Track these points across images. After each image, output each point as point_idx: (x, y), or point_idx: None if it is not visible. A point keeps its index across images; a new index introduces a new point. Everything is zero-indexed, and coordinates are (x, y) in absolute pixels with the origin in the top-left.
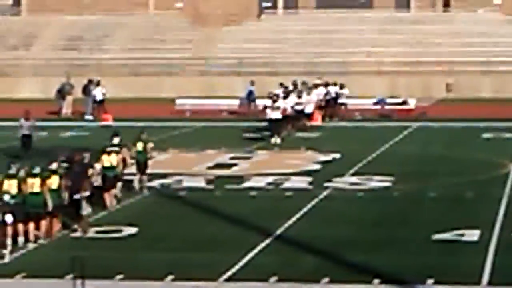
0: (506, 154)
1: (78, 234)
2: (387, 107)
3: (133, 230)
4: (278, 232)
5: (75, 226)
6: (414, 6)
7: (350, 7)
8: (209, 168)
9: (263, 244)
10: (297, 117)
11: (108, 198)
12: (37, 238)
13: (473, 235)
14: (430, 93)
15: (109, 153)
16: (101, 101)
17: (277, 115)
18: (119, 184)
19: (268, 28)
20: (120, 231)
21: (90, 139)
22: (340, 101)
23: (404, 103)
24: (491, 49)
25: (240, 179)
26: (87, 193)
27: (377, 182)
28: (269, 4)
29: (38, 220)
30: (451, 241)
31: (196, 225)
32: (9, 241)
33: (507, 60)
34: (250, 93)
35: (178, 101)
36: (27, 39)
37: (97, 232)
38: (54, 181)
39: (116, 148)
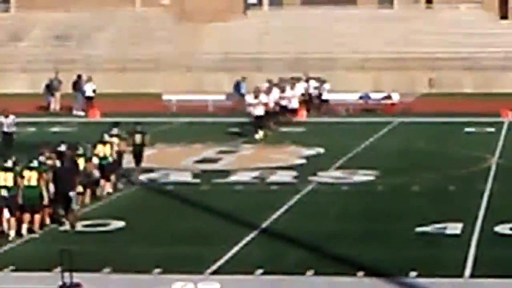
0: (488, 148)
1: (66, 227)
2: (371, 102)
3: (120, 223)
4: (264, 225)
5: (64, 220)
6: (397, 2)
7: (335, 4)
8: (196, 162)
9: (249, 238)
10: (281, 112)
11: (106, 186)
12: (31, 231)
13: (455, 228)
14: (413, 88)
15: (105, 143)
16: (91, 97)
17: (259, 111)
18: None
19: (254, 25)
20: (108, 224)
21: (78, 134)
22: (322, 96)
23: (387, 97)
24: (473, 45)
25: (226, 173)
26: (80, 189)
27: (361, 176)
28: (255, 1)
29: (33, 213)
30: (433, 234)
31: (183, 219)
32: (12, 233)
33: (489, 55)
34: (238, 85)
35: (164, 97)
36: (15, 35)
37: (85, 225)
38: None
39: (115, 139)
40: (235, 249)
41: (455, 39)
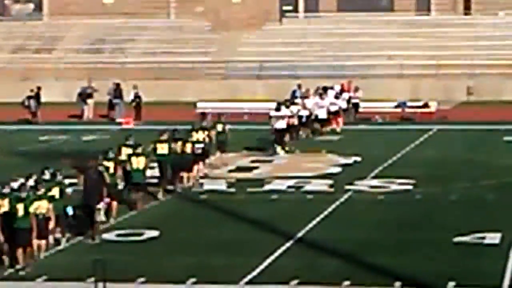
0: None
1: (89, 240)
2: (408, 110)
3: (154, 233)
4: (299, 235)
5: (89, 233)
6: (434, 9)
7: (371, 11)
8: (231, 171)
9: (284, 247)
10: (307, 123)
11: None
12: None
13: (494, 238)
14: (452, 96)
15: (137, 155)
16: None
17: (281, 124)
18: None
19: (289, 32)
20: (141, 234)
21: (112, 143)
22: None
23: (425, 106)
24: (511, 52)
25: (261, 182)
26: (107, 200)
27: (398, 185)
28: (290, 8)
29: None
30: (472, 244)
31: (217, 228)
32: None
33: None
34: (294, 93)
35: (199, 105)
36: (49, 43)
37: (119, 235)
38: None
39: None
40: (270, 259)
41: (493, 46)
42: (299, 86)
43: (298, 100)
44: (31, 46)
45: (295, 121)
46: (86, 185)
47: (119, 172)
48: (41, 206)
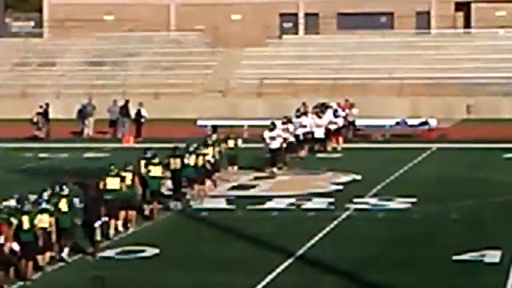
0: None
1: (88, 258)
2: (407, 128)
3: (155, 250)
4: (300, 252)
5: (88, 251)
6: (434, 27)
7: (372, 28)
8: (231, 188)
9: (284, 265)
10: (304, 141)
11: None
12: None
13: (494, 256)
14: (451, 114)
15: (155, 164)
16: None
17: (275, 144)
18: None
19: (290, 50)
20: (142, 251)
21: (112, 160)
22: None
23: (425, 123)
24: (511, 70)
25: (261, 199)
26: (106, 219)
27: (398, 203)
28: (290, 26)
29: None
30: (471, 262)
31: (217, 246)
32: None
33: None
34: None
35: (199, 122)
36: (49, 60)
37: (120, 252)
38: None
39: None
40: (270, 276)
41: (493, 64)
42: (304, 104)
43: (295, 119)
44: (31, 62)
45: (290, 138)
46: (86, 203)
47: (137, 182)
48: (43, 220)
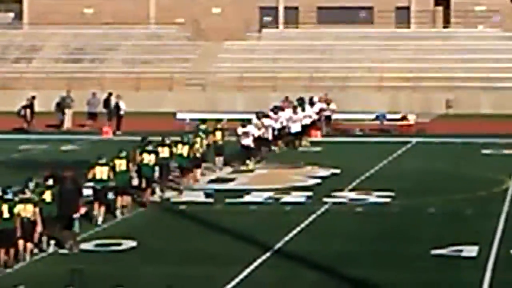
0: (505, 170)
1: (66, 251)
2: (386, 122)
3: (132, 243)
4: (277, 246)
5: (66, 244)
6: (414, 22)
7: (351, 23)
8: (210, 182)
9: (262, 259)
10: (280, 136)
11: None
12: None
13: (471, 251)
14: (430, 109)
15: (149, 152)
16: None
17: (247, 141)
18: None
19: (269, 43)
20: (120, 244)
21: (91, 153)
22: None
23: (403, 118)
24: (491, 65)
25: (240, 193)
26: (84, 211)
27: (376, 197)
28: (270, 20)
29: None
30: (449, 256)
31: (195, 239)
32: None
33: (507, 76)
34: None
35: (178, 115)
36: (28, 52)
37: (97, 245)
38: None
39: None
40: (248, 270)
41: (472, 59)
42: (287, 99)
43: (271, 113)
44: (10, 55)
45: (266, 133)
46: (61, 196)
47: (132, 169)
48: (27, 210)
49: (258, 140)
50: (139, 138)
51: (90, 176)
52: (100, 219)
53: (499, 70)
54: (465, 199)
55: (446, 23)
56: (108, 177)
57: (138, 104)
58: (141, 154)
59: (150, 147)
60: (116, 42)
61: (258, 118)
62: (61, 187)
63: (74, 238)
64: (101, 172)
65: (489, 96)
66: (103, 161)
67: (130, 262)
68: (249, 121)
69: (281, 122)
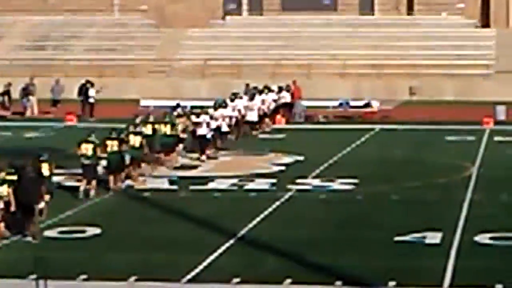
0: (469, 157)
1: (29, 239)
2: (350, 109)
3: (96, 230)
4: (241, 233)
5: (27, 232)
6: (378, 9)
7: (315, 10)
8: (174, 168)
9: (226, 245)
10: (237, 125)
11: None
12: None
13: (435, 237)
14: (394, 95)
15: (135, 134)
16: (93, 103)
17: (202, 130)
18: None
19: (233, 31)
20: (83, 231)
21: (55, 140)
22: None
23: (367, 105)
24: (454, 52)
25: (204, 180)
26: (47, 198)
27: (340, 184)
28: (234, 7)
29: None
30: (413, 243)
31: (159, 226)
32: None
33: (470, 63)
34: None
35: (142, 102)
36: None
37: (61, 232)
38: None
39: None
40: (212, 257)
41: (436, 46)
42: (247, 86)
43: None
44: None
45: (223, 124)
46: (21, 184)
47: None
48: (1, 190)
49: (213, 130)
50: (103, 126)
51: (78, 152)
52: (92, 193)
53: (462, 57)
54: (428, 185)
55: (410, 10)
56: (95, 153)
57: (102, 91)
58: (128, 136)
59: (137, 129)
60: (80, 29)
61: (215, 108)
62: (21, 176)
63: (35, 226)
64: (86, 148)
65: (452, 83)
66: (91, 138)
67: (94, 249)
68: (202, 109)
69: (239, 110)
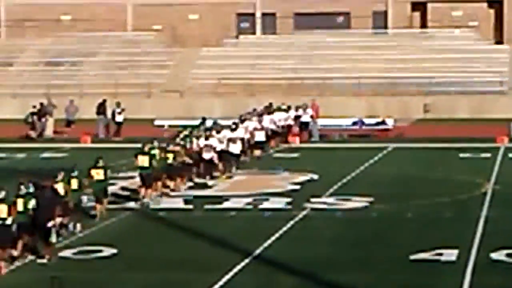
0: (483, 174)
1: (44, 260)
2: (365, 127)
3: (112, 250)
4: (257, 252)
5: (43, 253)
6: (391, 26)
7: (328, 28)
8: (189, 188)
9: (242, 264)
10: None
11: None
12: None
13: (451, 255)
14: (408, 113)
15: (143, 154)
16: (121, 122)
17: (207, 155)
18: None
19: (247, 50)
20: (99, 251)
21: (69, 160)
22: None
23: (382, 123)
24: (468, 70)
25: (219, 199)
26: (59, 220)
27: (355, 202)
28: (247, 25)
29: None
30: (429, 260)
31: (175, 246)
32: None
33: (484, 80)
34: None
35: (156, 122)
36: (6, 61)
37: (77, 252)
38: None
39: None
40: (228, 276)
41: (449, 64)
42: (271, 105)
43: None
44: None
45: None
46: (39, 204)
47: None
48: (1, 210)
49: (221, 153)
50: (115, 145)
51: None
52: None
53: (476, 74)
54: (443, 203)
55: (423, 27)
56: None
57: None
58: (136, 156)
59: (145, 149)
60: (93, 49)
61: (218, 132)
62: (39, 196)
63: (51, 248)
64: (98, 173)
65: (466, 100)
66: (100, 164)
67: (110, 269)
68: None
69: (250, 132)
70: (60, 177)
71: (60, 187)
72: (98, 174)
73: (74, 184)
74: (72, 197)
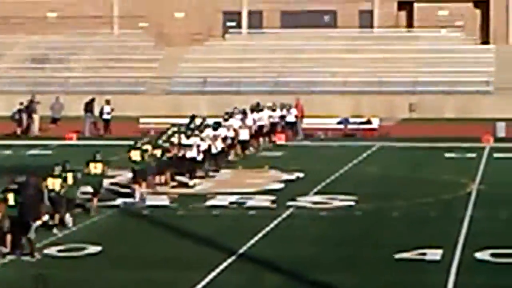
0: (468, 174)
1: (28, 258)
2: (350, 126)
3: (97, 248)
4: (241, 251)
5: (25, 250)
6: (377, 26)
7: (315, 27)
8: (173, 187)
9: (226, 263)
10: (232, 145)
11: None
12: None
13: (435, 254)
14: (394, 113)
15: (135, 148)
16: (108, 120)
17: (191, 153)
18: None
19: (233, 48)
20: (84, 249)
21: (55, 158)
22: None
23: (367, 122)
24: (453, 70)
25: (203, 197)
26: (45, 218)
27: (340, 201)
28: (234, 24)
29: None
30: (413, 260)
31: (159, 244)
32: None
33: (470, 80)
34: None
35: (142, 120)
36: None
37: (61, 250)
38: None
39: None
40: (212, 274)
41: (435, 63)
42: (258, 104)
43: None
44: None
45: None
46: (23, 201)
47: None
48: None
49: (204, 152)
50: (101, 142)
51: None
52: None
53: (462, 74)
54: (428, 203)
55: (409, 27)
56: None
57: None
58: (129, 151)
59: (138, 144)
60: (79, 47)
61: (201, 130)
62: (23, 193)
63: (33, 244)
64: (95, 167)
65: (452, 100)
66: (98, 157)
67: (94, 267)
68: (191, 130)
69: (234, 130)
70: (56, 172)
71: (57, 182)
72: (96, 168)
73: (70, 179)
74: (68, 192)
